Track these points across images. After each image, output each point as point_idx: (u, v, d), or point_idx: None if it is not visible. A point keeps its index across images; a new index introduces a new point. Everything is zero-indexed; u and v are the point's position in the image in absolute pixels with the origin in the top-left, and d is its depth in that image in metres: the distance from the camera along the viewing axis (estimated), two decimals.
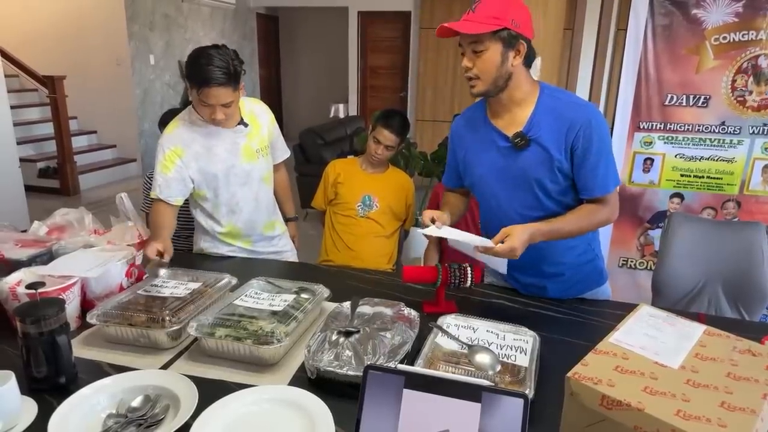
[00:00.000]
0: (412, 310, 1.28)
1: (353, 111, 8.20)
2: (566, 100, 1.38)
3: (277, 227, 1.99)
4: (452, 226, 1.46)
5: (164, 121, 2.32)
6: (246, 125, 1.78)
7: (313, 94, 9.48)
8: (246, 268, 1.72)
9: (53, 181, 5.69)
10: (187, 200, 1.81)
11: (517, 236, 1.25)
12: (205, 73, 1.53)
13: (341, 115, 7.89)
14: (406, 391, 0.76)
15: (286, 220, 2.11)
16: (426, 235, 1.43)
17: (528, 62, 1.34)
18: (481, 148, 1.45)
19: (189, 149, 1.70)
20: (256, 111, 1.85)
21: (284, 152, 2.03)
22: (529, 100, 1.37)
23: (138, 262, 1.49)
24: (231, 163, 1.75)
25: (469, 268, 1.40)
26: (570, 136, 1.32)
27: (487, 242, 1.27)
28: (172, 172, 1.68)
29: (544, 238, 1.33)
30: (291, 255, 2.06)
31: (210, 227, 1.84)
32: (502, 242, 1.26)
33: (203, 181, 1.75)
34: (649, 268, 2.66)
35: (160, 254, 1.52)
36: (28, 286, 1.16)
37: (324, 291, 1.37)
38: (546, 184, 1.37)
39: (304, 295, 1.32)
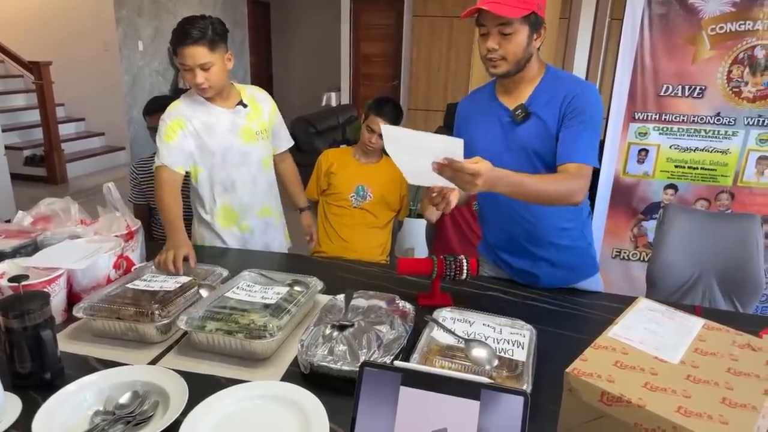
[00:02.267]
0: (407, 303, 1.26)
1: (345, 100, 8.13)
2: (567, 77, 1.43)
3: (273, 215, 1.97)
4: (453, 210, 1.38)
5: (149, 109, 2.28)
6: (245, 106, 1.80)
7: (305, 82, 9.39)
8: (237, 260, 1.69)
9: (40, 170, 5.59)
10: (186, 190, 1.78)
11: (487, 165, 1.14)
12: (180, 33, 1.60)
13: (333, 103, 7.83)
14: (403, 389, 0.74)
15: (300, 209, 2.12)
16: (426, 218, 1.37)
17: (542, 39, 1.39)
18: (484, 123, 1.48)
19: (190, 123, 1.73)
20: (257, 96, 1.88)
21: (288, 142, 2.04)
22: (536, 78, 1.42)
23: (126, 253, 1.46)
24: (230, 142, 1.77)
25: (464, 260, 1.38)
26: (564, 106, 1.36)
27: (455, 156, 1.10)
28: (174, 141, 1.71)
29: (507, 188, 1.21)
30: (281, 248, 2.03)
31: (206, 210, 1.84)
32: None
33: (200, 157, 1.76)
34: (642, 259, 2.66)
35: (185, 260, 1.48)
36: (11, 279, 1.12)
37: (317, 283, 1.35)
38: (543, 157, 1.39)
39: (297, 288, 1.29)
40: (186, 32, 1.59)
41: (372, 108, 2.22)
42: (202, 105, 1.75)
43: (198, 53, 1.60)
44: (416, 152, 1.13)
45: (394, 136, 1.16)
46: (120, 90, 6.24)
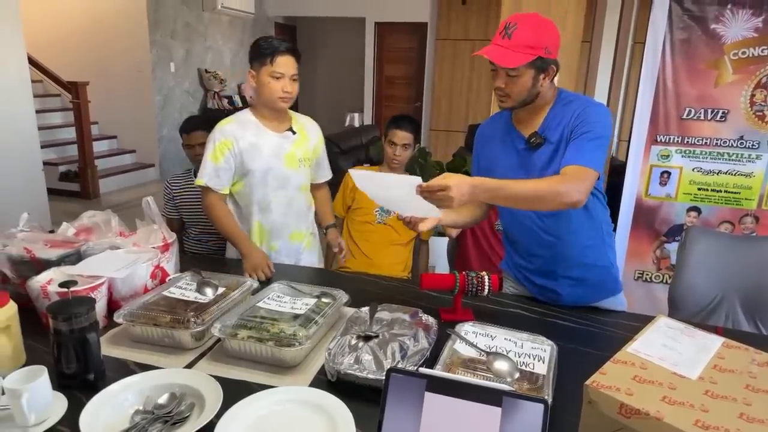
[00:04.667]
0: (429, 316, 1.29)
1: (368, 120, 8.26)
2: (576, 100, 1.45)
3: (304, 239, 2.00)
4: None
5: (186, 128, 2.38)
6: (294, 132, 1.87)
7: (329, 102, 9.57)
8: None
9: (74, 185, 5.79)
10: None
11: (454, 178, 1.20)
12: (274, 44, 1.72)
13: (356, 124, 7.96)
14: (427, 394, 0.78)
15: (327, 227, 2.14)
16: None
17: (552, 76, 1.42)
18: (502, 150, 1.53)
19: (237, 143, 1.79)
20: (307, 125, 1.95)
21: (327, 173, 2.08)
22: (548, 105, 1.46)
23: (162, 263, 1.53)
24: (271, 165, 1.82)
25: (486, 276, 1.41)
26: (570, 123, 1.39)
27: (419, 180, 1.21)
28: (221, 161, 1.78)
29: (488, 194, 1.28)
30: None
31: (240, 224, 1.88)
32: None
33: (242, 176, 1.83)
34: (665, 281, 2.64)
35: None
36: (62, 285, 1.19)
37: (343, 296, 1.39)
38: None
39: (324, 300, 1.34)
40: (280, 43, 1.72)
41: (390, 124, 2.34)
42: (255, 126, 1.81)
43: (291, 63, 1.74)
44: (384, 188, 1.40)
45: (364, 177, 1.37)
46: (152, 109, 6.46)
